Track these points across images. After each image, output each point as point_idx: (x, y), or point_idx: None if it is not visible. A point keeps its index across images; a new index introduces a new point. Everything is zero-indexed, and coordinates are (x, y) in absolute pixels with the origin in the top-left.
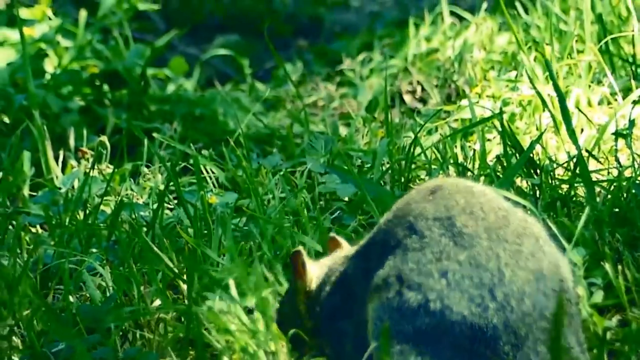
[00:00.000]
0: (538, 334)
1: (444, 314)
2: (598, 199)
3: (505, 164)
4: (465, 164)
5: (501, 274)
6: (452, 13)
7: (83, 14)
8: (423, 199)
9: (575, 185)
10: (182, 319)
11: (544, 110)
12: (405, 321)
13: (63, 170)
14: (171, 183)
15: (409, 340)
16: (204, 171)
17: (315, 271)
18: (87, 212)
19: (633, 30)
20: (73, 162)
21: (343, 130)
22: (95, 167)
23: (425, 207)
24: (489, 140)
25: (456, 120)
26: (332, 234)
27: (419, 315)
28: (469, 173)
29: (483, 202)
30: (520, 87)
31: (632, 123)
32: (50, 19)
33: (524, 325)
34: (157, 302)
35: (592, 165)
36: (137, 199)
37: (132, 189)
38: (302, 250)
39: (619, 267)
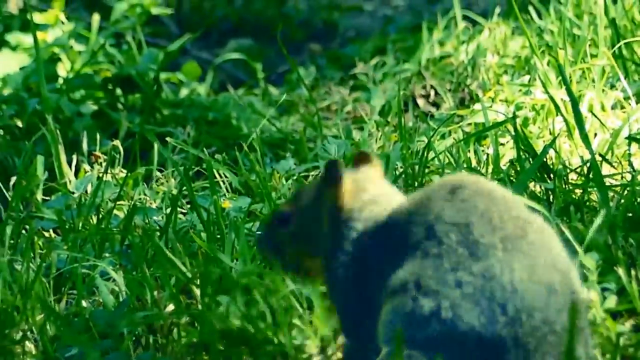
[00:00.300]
0: (547, 348)
1: (455, 323)
2: (611, 204)
3: (518, 169)
4: (478, 168)
5: (513, 287)
6: (465, 17)
7: (96, 18)
8: (443, 198)
9: (589, 189)
10: (196, 324)
11: (557, 115)
12: (417, 327)
13: (76, 174)
14: (184, 187)
15: (419, 346)
16: (217, 175)
17: (350, 186)
18: (100, 216)
19: None
20: (86, 166)
21: (356, 135)
22: (108, 171)
23: (445, 208)
24: (502, 144)
25: (469, 124)
26: (362, 150)
27: (430, 322)
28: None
29: (502, 211)
30: (534, 91)
31: None
32: (63, 23)
33: (534, 339)
34: (171, 307)
35: (606, 169)
36: (150, 203)
37: (145, 194)
38: (341, 161)
39: (632, 272)
